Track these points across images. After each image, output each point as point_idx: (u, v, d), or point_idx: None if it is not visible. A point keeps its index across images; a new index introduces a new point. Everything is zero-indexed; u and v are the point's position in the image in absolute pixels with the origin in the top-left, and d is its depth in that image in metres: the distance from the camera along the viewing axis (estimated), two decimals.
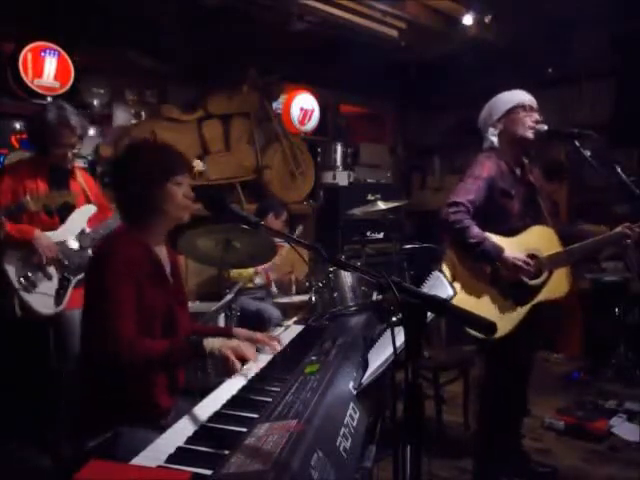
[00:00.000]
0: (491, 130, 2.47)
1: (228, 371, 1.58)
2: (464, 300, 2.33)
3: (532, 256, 2.39)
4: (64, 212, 2.66)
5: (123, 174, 1.72)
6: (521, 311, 2.37)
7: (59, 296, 2.57)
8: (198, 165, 2.98)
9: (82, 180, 2.81)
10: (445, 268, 2.40)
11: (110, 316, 1.53)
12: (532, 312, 2.38)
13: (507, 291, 2.37)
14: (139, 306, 1.59)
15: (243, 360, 1.59)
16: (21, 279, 2.51)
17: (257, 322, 3.33)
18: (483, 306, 2.34)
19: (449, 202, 2.33)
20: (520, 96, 2.45)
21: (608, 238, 2.34)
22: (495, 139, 2.46)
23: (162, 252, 1.78)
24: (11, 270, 2.51)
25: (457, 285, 2.36)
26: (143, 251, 1.67)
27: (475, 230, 2.29)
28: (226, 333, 1.95)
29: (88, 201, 2.78)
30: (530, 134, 2.40)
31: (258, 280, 3.84)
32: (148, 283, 1.63)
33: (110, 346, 1.51)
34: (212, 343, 1.56)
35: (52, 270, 2.57)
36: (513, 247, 2.37)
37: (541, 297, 2.39)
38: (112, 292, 1.55)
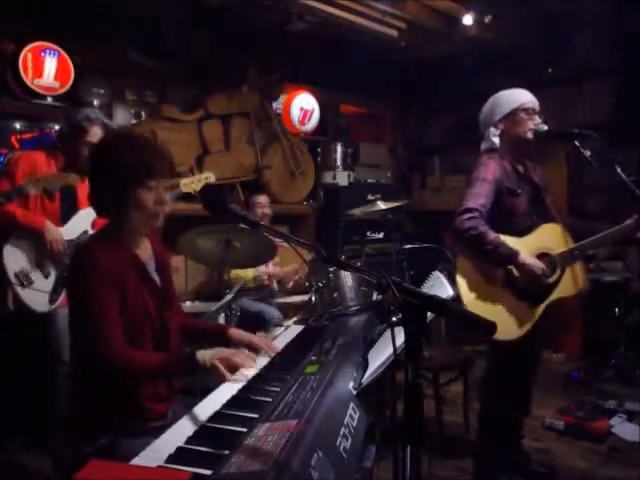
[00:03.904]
0: (492, 130, 2.46)
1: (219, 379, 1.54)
2: (480, 306, 2.32)
3: (544, 255, 2.39)
4: (66, 201, 2.66)
5: (98, 168, 1.65)
6: (537, 311, 2.37)
7: (54, 294, 2.57)
8: (210, 178, 3.03)
9: None
10: (459, 277, 2.39)
11: (96, 326, 1.50)
12: (546, 311, 2.38)
13: (522, 292, 2.37)
14: (123, 308, 1.55)
15: (235, 369, 1.56)
16: (17, 273, 2.50)
17: (257, 324, 3.32)
18: (500, 310, 2.34)
19: (461, 209, 2.32)
20: (522, 98, 2.43)
21: (619, 230, 2.31)
22: (496, 140, 2.46)
23: (144, 248, 1.73)
24: (8, 263, 2.50)
25: (473, 294, 2.36)
26: (121, 252, 1.62)
27: (491, 236, 2.29)
28: (221, 331, 1.93)
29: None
30: (529, 135, 2.40)
31: (258, 282, 3.84)
32: (130, 285, 1.58)
33: (100, 356, 1.50)
34: (204, 356, 1.53)
35: (50, 268, 2.57)
36: (525, 247, 2.37)
37: (555, 295, 2.38)
38: (94, 300, 1.51)
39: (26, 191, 2.40)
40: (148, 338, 1.62)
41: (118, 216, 1.65)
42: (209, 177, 3.02)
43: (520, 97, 2.44)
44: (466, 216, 2.30)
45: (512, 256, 2.30)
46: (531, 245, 2.39)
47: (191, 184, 2.92)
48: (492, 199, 2.35)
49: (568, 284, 2.40)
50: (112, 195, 1.61)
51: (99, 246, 1.60)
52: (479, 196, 2.33)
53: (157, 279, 1.73)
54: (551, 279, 2.37)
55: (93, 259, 1.55)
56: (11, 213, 2.50)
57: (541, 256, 2.39)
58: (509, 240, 2.35)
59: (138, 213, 1.63)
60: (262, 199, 4.09)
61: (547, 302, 2.38)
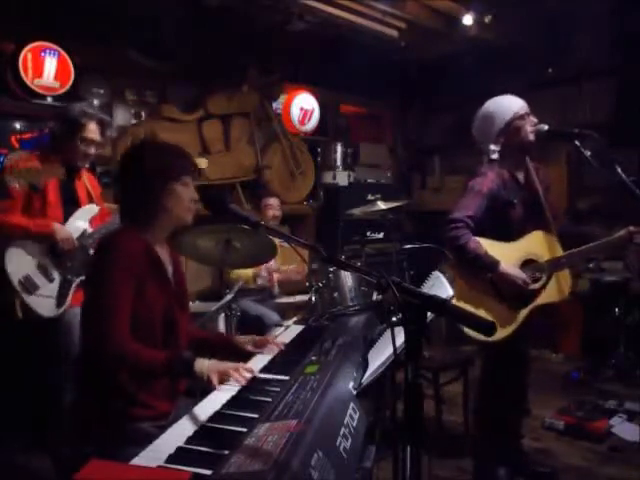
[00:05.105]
0: (492, 147, 2.45)
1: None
2: (464, 306, 2.32)
3: (530, 261, 2.40)
4: (68, 205, 2.65)
5: (130, 170, 1.70)
6: (521, 315, 2.38)
7: (61, 297, 2.56)
8: (201, 163, 2.97)
9: (87, 181, 2.81)
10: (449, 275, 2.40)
11: (105, 312, 1.53)
12: (530, 315, 2.39)
13: (506, 296, 2.38)
14: (139, 304, 1.58)
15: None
16: (22, 280, 2.49)
17: (257, 326, 3.32)
18: (483, 311, 2.34)
19: (448, 219, 2.36)
20: (514, 106, 2.41)
21: (610, 242, 2.32)
22: (496, 155, 2.45)
23: (163, 252, 1.77)
24: (12, 270, 2.49)
25: (457, 293, 2.35)
26: (144, 249, 1.65)
27: (471, 246, 2.31)
28: (227, 342, 1.95)
29: (91, 202, 2.78)
30: (532, 137, 2.40)
31: (260, 281, 3.83)
32: (149, 281, 1.62)
33: (100, 342, 1.52)
34: (202, 367, 1.53)
35: (54, 272, 2.57)
36: (513, 253, 2.38)
37: (540, 301, 2.40)
38: (110, 288, 1.55)
39: (10, 185, 2.39)
40: (158, 336, 1.64)
41: (148, 216, 1.69)
42: (201, 162, 2.97)
43: (511, 106, 2.42)
44: (449, 227, 2.34)
45: (493, 266, 2.32)
46: (518, 250, 2.40)
47: None
48: (483, 210, 2.36)
49: (553, 291, 2.42)
50: (149, 192, 1.65)
51: (123, 239, 1.64)
52: (468, 208, 2.35)
53: (172, 281, 1.76)
54: (536, 285, 2.39)
55: (117, 250, 1.60)
56: (24, 226, 2.49)
57: (528, 262, 2.40)
58: (497, 246, 2.36)
59: (174, 208, 1.68)
60: (273, 201, 4.10)
61: (530, 307, 2.39)
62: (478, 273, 2.37)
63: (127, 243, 1.61)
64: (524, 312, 2.38)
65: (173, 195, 1.67)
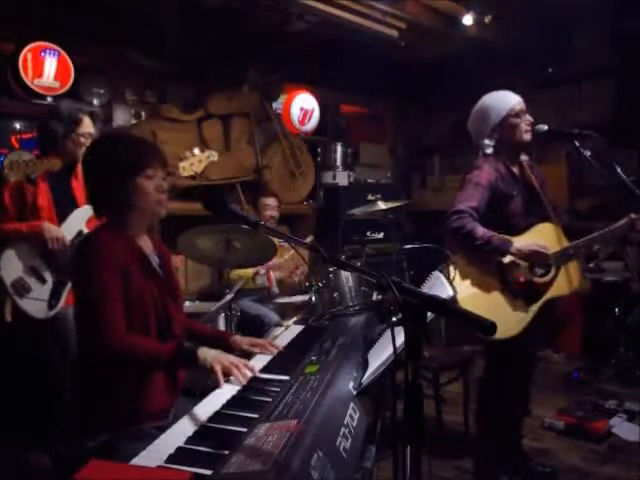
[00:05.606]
0: (487, 141, 2.45)
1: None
2: (475, 303, 2.31)
3: None
4: (63, 206, 2.65)
5: (91, 167, 1.69)
6: (532, 309, 2.37)
7: (53, 299, 2.54)
8: (212, 156, 2.84)
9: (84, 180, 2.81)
10: (452, 272, 2.39)
11: (99, 313, 1.52)
12: (542, 310, 2.38)
13: (517, 291, 2.37)
14: (128, 299, 1.57)
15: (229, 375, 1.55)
16: (14, 283, 2.48)
17: (256, 326, 3.32)
18: (495, 308, 2.33)
19: (451, 211, 2.33)
20: (510, 102, 2.41)
21: (614, 230, 2.31)
22: (491, 150, 2.45)
23: (146, 244, 1.75)
24: (4, 274, 2.48)
25: (467, 292, 2.35)
26: (125, 243, 1.64)
27: (480, 231, 2.28)
28: (224, 338, 1.94)
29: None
30: (527, 136, 2.40)
31: (259, 281, 3.83)
32: (135, 275, 1.60)
33: (99, 343, 1.52)
34: (206, 354, 1.53)
35: (46, 273, 2.56)
36: (520, 245, 2.37)
37: (550, 294, 2.39)
38: (99, 288, 1.53)
39: (7, 179, 2.39)
40: (153, 328, 1.63)
41: (119, 213, 1.67)
42: (211, 155, 2.81)
43: (507, 102, 2.42)
44: (453, 217, 2.30)
45: (506, 244, 2.29)
46: (527, 243, 2.40)
47: (191, 166, 2.75)
48: (486, 202, 2.34)
49: (563, 283, 2.41)
50: (112, 189, 1.63)
51: (103, 237, 1.62)
52: (470, 199, 2.32)
53: (160, 273, 1.74)
54: (547, 278, 2.38)
55: (98, 248, 1.58)
56: (18, 229, 2.49)
57: None
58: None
59: (142, 203, 1.65)
60: (270, 201, 4.08)
61: (542, 301, 2.38)
62: (489, 260, 2.33)
63: (107, 240, 1.60)
64: (536, 306, 2.37)
65: (138, 190, 1.64)
